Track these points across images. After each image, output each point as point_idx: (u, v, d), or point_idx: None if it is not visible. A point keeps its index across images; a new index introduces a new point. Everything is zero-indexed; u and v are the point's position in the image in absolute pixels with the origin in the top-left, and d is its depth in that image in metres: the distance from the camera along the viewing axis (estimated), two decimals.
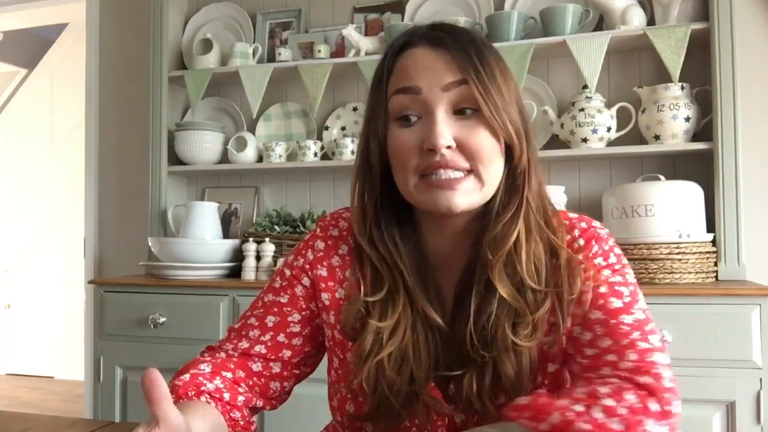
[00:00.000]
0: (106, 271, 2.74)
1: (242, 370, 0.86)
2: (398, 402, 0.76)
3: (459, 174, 0.74)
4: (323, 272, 0.86)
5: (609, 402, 0.66)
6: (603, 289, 0.77)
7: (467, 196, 0.75)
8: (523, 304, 0.75)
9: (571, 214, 0.85)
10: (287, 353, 0.87)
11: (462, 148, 0.74)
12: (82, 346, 2.76)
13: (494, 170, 0.76)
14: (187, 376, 0.81)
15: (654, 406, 0.68)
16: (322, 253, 0.87)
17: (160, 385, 0.60)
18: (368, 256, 0.81)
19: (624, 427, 0.65)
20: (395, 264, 0.79)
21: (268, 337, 0.87)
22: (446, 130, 0.73)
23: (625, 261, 0.83)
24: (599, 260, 0.80)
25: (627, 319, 0.75)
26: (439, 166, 0.74)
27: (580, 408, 0.66)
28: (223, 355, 0.88)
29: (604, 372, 0.72)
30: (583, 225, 0.83)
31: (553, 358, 0.79)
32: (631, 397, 0.67)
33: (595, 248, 0.80)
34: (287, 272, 0.89)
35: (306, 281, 0.87)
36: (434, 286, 0.81)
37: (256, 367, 0.87)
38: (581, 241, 0.81)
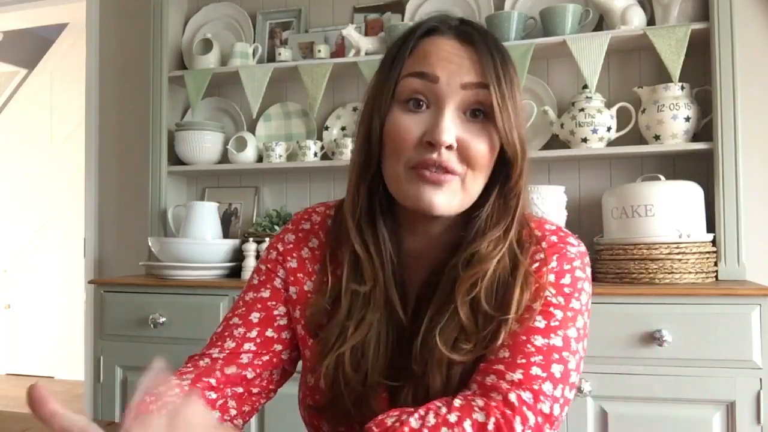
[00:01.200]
0: (106, 271, 2.74)
1: (231, 368, 0.81)
2: (350, 400, 0.76)
3: (449, 176, 0.72)
4: (293, 264, 0.85)
5: (478, 417, 0.66)
6: (536, 306, 0.74)
7: (449, 198, 0.73)
8: (473, 326, 0.74)
9: (548, 226, 0.82)
10: (278, 347, 0.84)
11: (461, 150, 0.72)
12: (82, 346, 2.75)
13: (479, 182, 0.75)
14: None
15: (518, 426, 0.66)
16: (291, 245, 0.87)
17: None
18: (349, 247, 0.79)
19: None
20: (378, 255, 0.78)
21: (254, 333, 0.83)
22: (452, 127, 0.71)
23: (582, 286, 0.78)
24: (551, 277, 0.76)
25: (538, 341, 0.72)
26: (432, 164, 0.71)
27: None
28: (207, 361, 0.82)
29: (489, 379, 0.71)
30: (554, 239, 0.80)
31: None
32: (495, 420, 0.66)
33: (553, 264, 0.77)
34: (263, 267, 0.88)
35: (281, 273, 0.86)
36: (401, 284, 0.81)
37: (246, 368, 0.82)
38: (542, 255, 0.78)
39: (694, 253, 1.77)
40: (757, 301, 1.58)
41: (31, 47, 4.69)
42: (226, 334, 0.84)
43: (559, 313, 0.74)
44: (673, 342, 1.60)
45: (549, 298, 0.75)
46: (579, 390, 1.64)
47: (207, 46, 2.43)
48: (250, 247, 2.15)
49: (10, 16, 3.49)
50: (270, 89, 2.33)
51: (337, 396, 0.77)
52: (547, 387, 0.69)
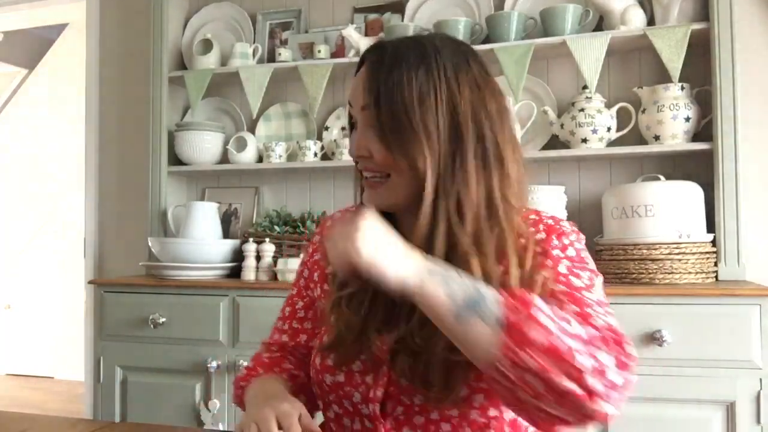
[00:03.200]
0: (106, 271, 2.74)
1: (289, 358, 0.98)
2: (350, 338, 0.84)
3: (377, 177, 0.83)
4: (317, 256, 1.00)
5: (580, 327, 0.68)
6: (563, 270, 0.80)
7: (385, 198, 0.84)
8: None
9: (545, 214, 0.89)
10: (303, 338, 0.98)
11: (374, 159, 0.83)
12: (82, 346, 2.76)
13: (406, 177, 0.81)
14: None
15: (618, 352, 0.68)
16: (318, 243, 1.01)
17: None
18: None
19: (582, 345, 0.65)
20: None
21: (286, 326, 1.00)
22: (362, 144, 0.83)
23: (585, 257, 0.84)
24: (557, 252, 0.82)
25: (589, 295, 0.78)
26: (361, 171, 0.86)
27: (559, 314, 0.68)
28: (275, 350, 1.00)
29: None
30: (550, 222, 0.86)
31: None
32: (601, 333, 0.69)
33: (555, 242, 0.83)
34: (298, 269, 1.05)
35: (305, 272, 1.01)
36: None
37: (291, 357, 0.98)
38: (542, 235, 0.84)
39: (694, 253, 1.77)
40: (757, 301, 1.58)
41: (31, 47, 4.69)
42: (277, 327, 1.02)
43: (584, 275, 0.81)
44: (673, 342, 1.60)
45: (569, 266, 0.81)
46: None
47: (207, 46, 2.43)
48: (250, 247, 2.15)
49: (10, 16, 3.49)
50: (270, 89, 2.33)
51: (339, 335, 0.85)
52: (619, 329, 0.73)
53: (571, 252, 0.83)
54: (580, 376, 0.63)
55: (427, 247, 0.78)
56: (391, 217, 0.88)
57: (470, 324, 0.67)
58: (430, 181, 0.79)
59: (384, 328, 0.83)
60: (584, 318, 0.72)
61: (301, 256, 1.08)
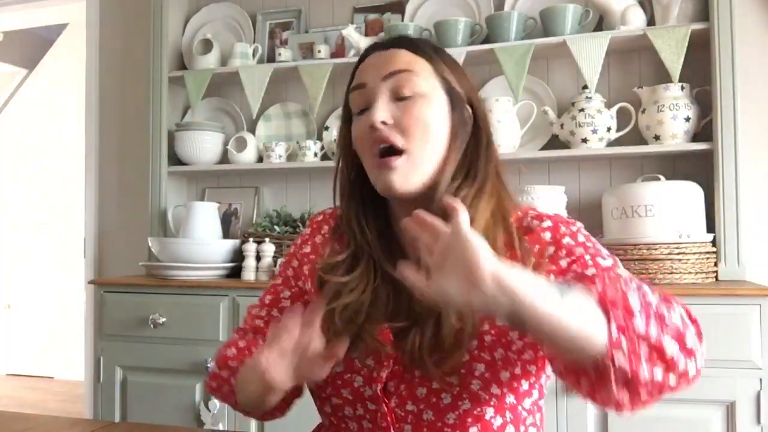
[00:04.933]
0: (106, 271, 2.74)
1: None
2: (350, 337, 0.81)
3: (395, 157, 0.83)
4: (307, 249, 0.98)
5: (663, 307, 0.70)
6: (586, 257, 0.81)
7: (402, 176, 0.83)
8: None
9: (541, 210, 0.91)
10: None
11: (397, 125, 0.83)
12: (82, 346, 2.76)
13: (429, 150, 0.84)
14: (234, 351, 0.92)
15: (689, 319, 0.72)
16: (307, 236, 1.01)
17: None
18: (341, 229, 0.93)
19: (681, 323, 0.68)
20: (360, 232, 0.89)
21: (263, 312, 0.97)
22: (383, 108, 0.83)
23: (594, 242, 0.86)
24: (567, 240, 0.83)
25: (623, 272, 0.78)
26: (379, 140, 0.83)
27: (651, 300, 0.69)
28: (251, 335, 0.96)
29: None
30: (551, 214, 0.89)
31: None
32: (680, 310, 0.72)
33: (562, 229, 0.85)
34: (284, 260, 1.02)
35: (294, 263, 0.99)
36: (402, 257, 0.84)
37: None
38: (549, 223, 0.86)
39: (694, 253, 1.77)
40: (757, 301, 1.58)
41: (31, 47, 4.70)
42: (253, 312, 0.98)
43: (606, 254, 0.84)
44: None
45: (590, 251, 0.82)
46: None
47: (207, 46, 2.43)
48: (250, 247, 2.15)
49: (10, 16, 3.50)
50: (270, 89, 2.33)
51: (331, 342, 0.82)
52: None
53: (581, 238, 0.85)
54: (680, 337, 0.67)
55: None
56: (379, 209, 0.90)
57: (583, 321, 0.63)
58: (454, 157, 0.84)
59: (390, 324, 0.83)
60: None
61: (291, 247, 1.03)
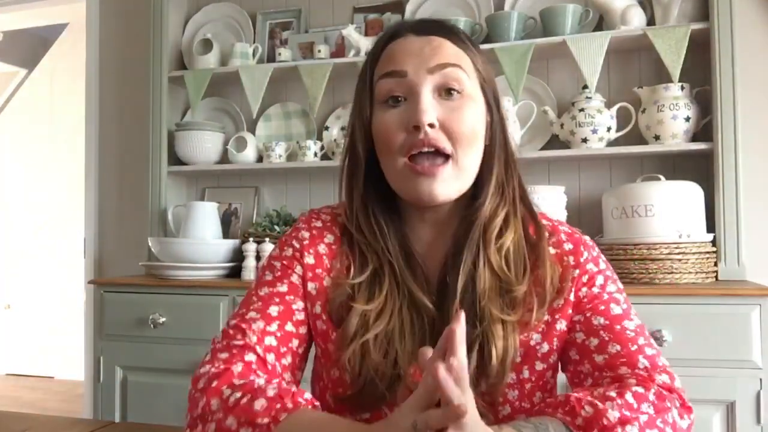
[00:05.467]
0: (106, 271, 2.74)
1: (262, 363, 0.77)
2: (383, 384, 0.75)
3: (440, 160, 0.77)
4: (310, 260, 0.85)
5: (638, 389, 0.69)
6: (603, 297, 0.81)
7: (447, 184, 0.77)
8: (509, 276, 0.78)
9: (549, 217, 0.88)
10: (295, 342, 0.81)
11: (445, 128, 0.76)
12: (82, 346, 2.76)
13: (473, 156, 0.79)
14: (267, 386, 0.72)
15: (676, 401, 0.70)
16: (307, 242, 0.86)
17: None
18: (356, 242, 0.83)
19: (653, 411, 0.67)
20: (382, 248, 0.81)
21: (275, 326, 0.79)
22: (431, 108, 0.76)
23: (611, 268, 0.86)
24: (591, 266, 0.82)
25: (630, 325, 0.78)
26: (422, 144, 0.76)
27: (612, 394, 0.68)
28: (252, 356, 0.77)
29: (622, 371, 0.74)
30: (566, 229, 0.86)
31: (542, 356, 0.80)
32: (655, 389, 0.70)
33: (585, 254, 0.83)
34: (277, 264, 0.86)
35: (299, 269, 0.84)
36: (421, 272, 0.82)
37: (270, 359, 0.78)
38: (569, 245, 0.83)
39: (694, 253, 1.77)
40: (757, 301, 1.58)
41: (31, 47, 4.70)
42: (244, 327, 0.79)
43: (620, 297, 0.82)
44: (673, 342, 1.60)
45: (607, 288, 0.81)
46: None
47: (207, 46, 2.43)
48: (250, 247, 2.15)
49: (10, 16, 3.50)
50: (270, 89, 2.33)
51: (367, 383, 0.76)
52: (662, 359, 0.76)
53: (602, 265, 0.83)
54: None
55: (461, 234, 0.79)
56: (392, 212, 0.85)
57: None
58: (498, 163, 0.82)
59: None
60: (631, 366, 0.73)
61: (282, 249, 0.87)
